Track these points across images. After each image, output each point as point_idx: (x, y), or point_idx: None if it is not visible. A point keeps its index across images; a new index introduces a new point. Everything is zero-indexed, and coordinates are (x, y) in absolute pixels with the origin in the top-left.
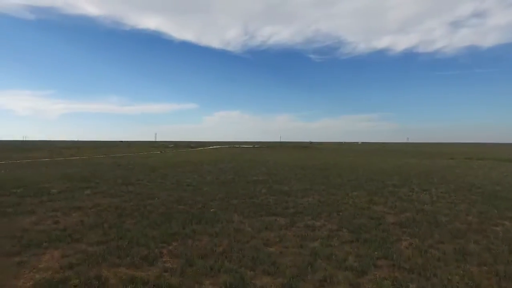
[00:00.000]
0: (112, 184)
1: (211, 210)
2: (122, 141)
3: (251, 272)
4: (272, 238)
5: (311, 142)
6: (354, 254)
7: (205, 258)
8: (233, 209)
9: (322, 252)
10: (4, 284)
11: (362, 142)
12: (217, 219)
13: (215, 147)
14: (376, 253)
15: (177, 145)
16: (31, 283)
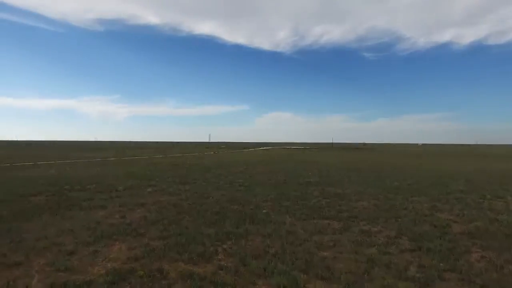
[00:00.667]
0: (170, 183)
1: (264, 211)
2: (178, 142)
3: (304, 276)
4: (325, 242)
5: (364, 144)
6: (416, 264)
7: (258, 259)
8: (285, 210)
9: (380, 259)
10: (82, 270)
11: (423, 144)
12: (270, 220)
13: (266, 148)
14: (441, 264)
15: (229, 146)
16: (103, 271)
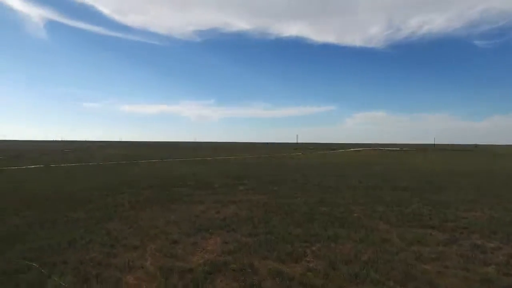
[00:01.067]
0: (260, 182)
1: (354, 215)
2: (267, 143)
3: None
4: (426, 254)
5: (476, 145)
6: None
7: (349, 264)
8: (378, 216)
9: (499, 281)
10: (184, 258)
11: None
12: (361, 225)
13: (357, 149)
14: None
15: (317, 147)
16: (202, 261)
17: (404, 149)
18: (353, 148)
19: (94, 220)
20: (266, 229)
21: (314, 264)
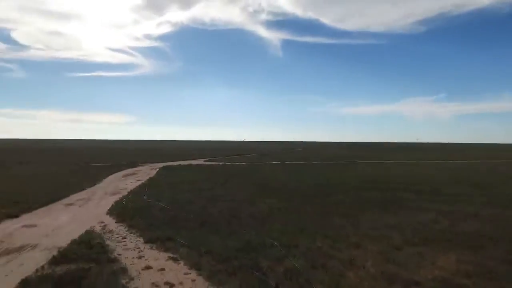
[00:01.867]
0: (507, 194)
1: None
2: None
3: None
4: None
5: None
6: None
7: None
8: None
9: None
10: (408, 268)
11: None
12: None
13: None
14: None
15: None
16: (430, 277)
17: None
18: None
19: (319, 214)
20: None
21: None
